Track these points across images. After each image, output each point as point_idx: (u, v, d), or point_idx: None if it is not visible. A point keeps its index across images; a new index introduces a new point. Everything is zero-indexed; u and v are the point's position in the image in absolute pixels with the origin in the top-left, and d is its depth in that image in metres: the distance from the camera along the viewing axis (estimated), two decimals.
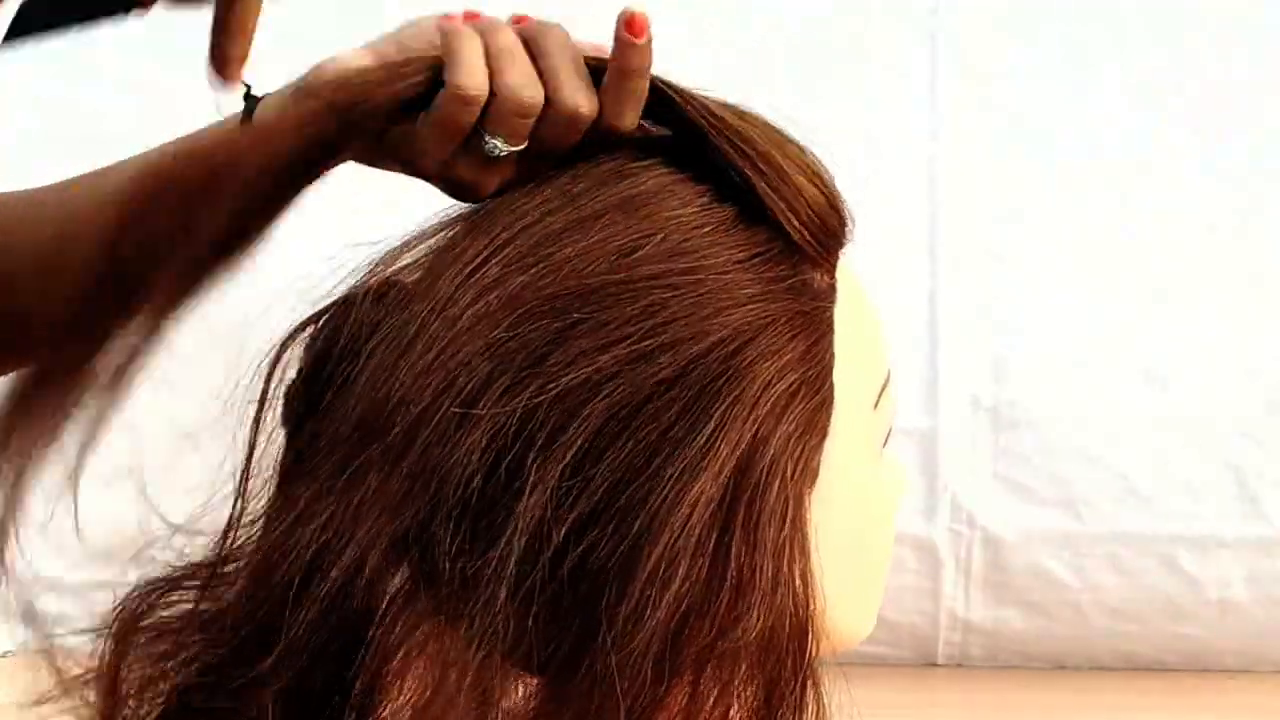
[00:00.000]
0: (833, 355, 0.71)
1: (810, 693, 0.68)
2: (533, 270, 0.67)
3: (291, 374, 0.72)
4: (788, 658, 0.67)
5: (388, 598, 0.65)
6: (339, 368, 0.68)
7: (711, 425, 0.65)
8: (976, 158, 1.56)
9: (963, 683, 1.65)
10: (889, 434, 0.76)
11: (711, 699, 0.66)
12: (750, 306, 0.68)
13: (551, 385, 0.65)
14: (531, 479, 0.64)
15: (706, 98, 0.71)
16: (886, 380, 0.75)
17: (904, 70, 1.54)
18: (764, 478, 0.66)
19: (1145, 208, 1.57)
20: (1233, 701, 1.57)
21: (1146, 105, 1.56)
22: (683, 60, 1.49)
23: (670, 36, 1.50)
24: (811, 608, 0.68)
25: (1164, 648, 1.66)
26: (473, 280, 0.67)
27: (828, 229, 0.72)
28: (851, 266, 0.75)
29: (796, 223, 0.71)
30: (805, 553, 0.68)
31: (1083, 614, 1.65)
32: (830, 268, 0.73)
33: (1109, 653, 1.66)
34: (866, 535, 0.74)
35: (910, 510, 1.63)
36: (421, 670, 0.65)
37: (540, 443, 0.64)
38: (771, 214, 0.70)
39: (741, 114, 0.72)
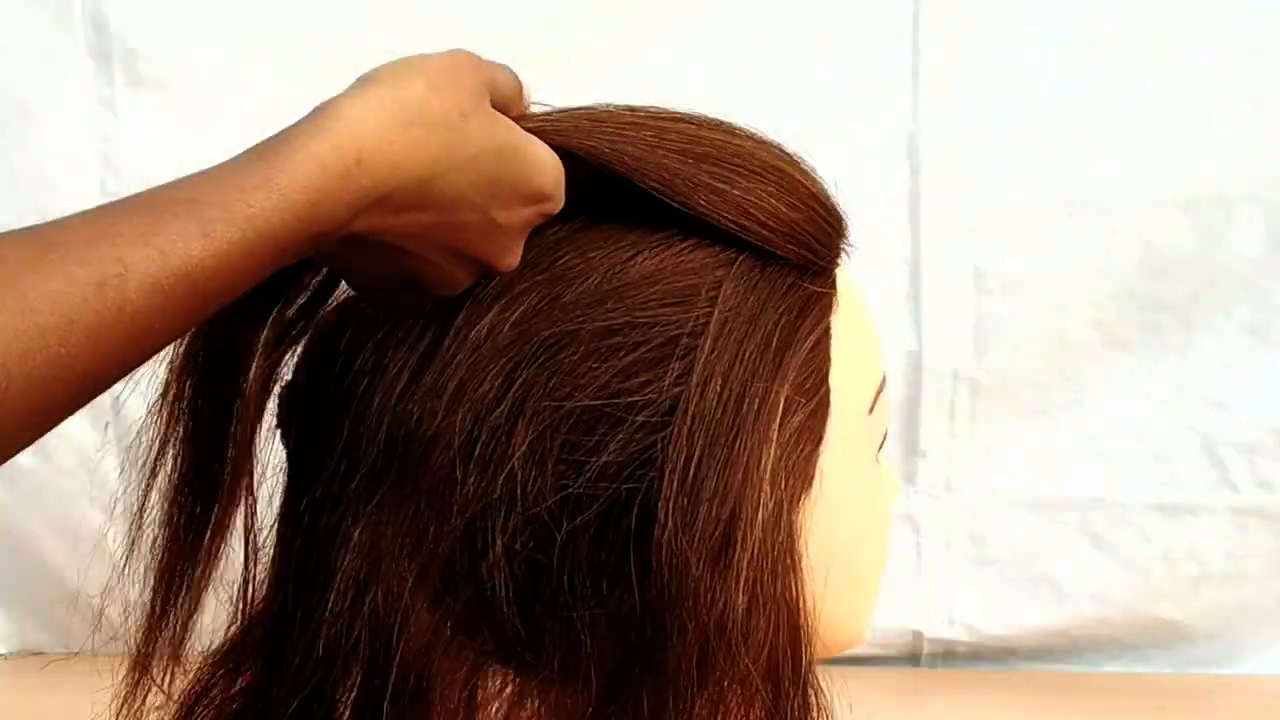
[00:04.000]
0: (829, 361, 0.71)
1: (812, 697, 0.68)
2: (536, 278, 0.67)
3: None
4: (789, 663, 0.67)
5: (419, 632, 0.65)
6: (345, 380, 0.68)
7: (714, 433, 0.65)
8: (959, 133, 1.56)
9: (949, 684, 1.65)
10: (884, 438, 0.77)
11: (730, 713, 0.67)
12: (750, 315, 0.68)
13: (568, 416, 0.65)
14: (566, 520, 0.65)
15: (663, 153, 0.69)
16: (881, 385, 0.75)
17: (886, 42, 1.55)
18: (765, 484, 0.66)
19: (1131, 182, 1.57)
20: (1220, 704, 1.58)
21: (1130, 77, 1.56)
22: (672, 53, 1.50)
23: (664, 28, 1.51)
24: (806, 612, 0.68)
25: (1142, 630, 1.66)
26: (479, 302, 0.67)
27: (822, 241, 0.72)
28: (849, 272, 0.75)
29: (792, 246, 0.70)
30: (796, 556, 0.68)
31: (1058, 583, 1.66)
32: (828, 274, 0.73)
33: (1085, 629, 1.67)
34: (861, 540, 0.74)
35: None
36: (455, 700, 0.66)
37: (569, 479, 0.65)
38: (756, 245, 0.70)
39: (709, 155, 0.69)
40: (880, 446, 0.76)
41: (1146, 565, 1.64)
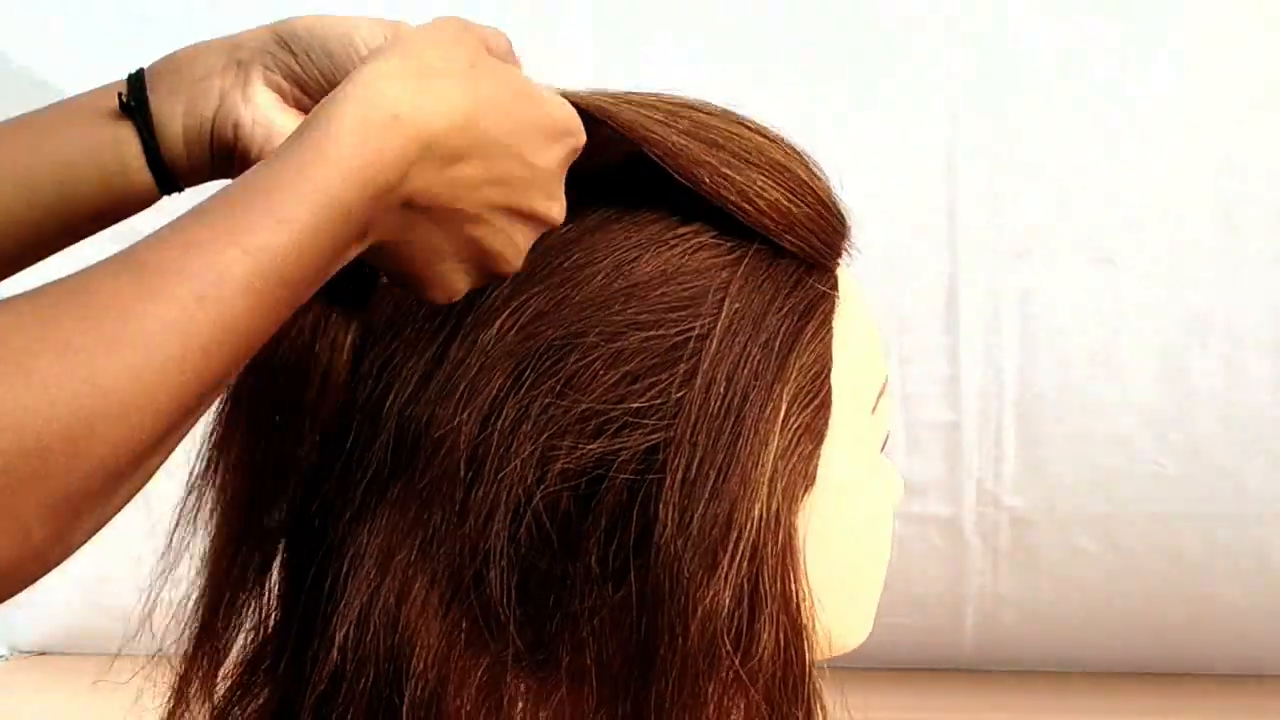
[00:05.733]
0: (831, 361, 0.70)
1: (816, 708, 0.68)
2: (547, 280, 0.67)
3: None
4: (788, 667, 0.67)
5: (432, 636, 0.65)
6: (352, 386, 0.68)
7: (716, 435, 0.65)
8: (997, 149, 1.54)
9: (977, 686, 1.64)
10: (886, 438, 0.76)
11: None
12: (754, 317, 0.68)
13: (574, 420, 0.65)
14: (570, 523, 0.65)
15: (671, 136, 0.69)
16: (884, 385, 0.75)
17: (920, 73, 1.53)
18: (763, 485, 0.66)
19: (1171, 196, 1.55)
20: (1260, 705, 1.56)
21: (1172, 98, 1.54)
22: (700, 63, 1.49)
23: (683, 36, 1.50)
24: (806, 615, 0.68)
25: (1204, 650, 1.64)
26: (488, 304, 0.67)
27: (823, 238, 0.72)
28: (850, 271, 0.74)
29: (790, 238, 0.70)
30: (796, 558, 0.68)
31: (1116, 581, 1.64)
32: (830, 274, 0.73)
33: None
34: (863, 539, 0.74)
35: (934, 497, 1.62)
36: (469, 706, 0.66)
37: (574, 481, 0.65)
38: (760, 235, 0.70)
39: (716, 142, 0.70)
40: (882, 447, 0.76)
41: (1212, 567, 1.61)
